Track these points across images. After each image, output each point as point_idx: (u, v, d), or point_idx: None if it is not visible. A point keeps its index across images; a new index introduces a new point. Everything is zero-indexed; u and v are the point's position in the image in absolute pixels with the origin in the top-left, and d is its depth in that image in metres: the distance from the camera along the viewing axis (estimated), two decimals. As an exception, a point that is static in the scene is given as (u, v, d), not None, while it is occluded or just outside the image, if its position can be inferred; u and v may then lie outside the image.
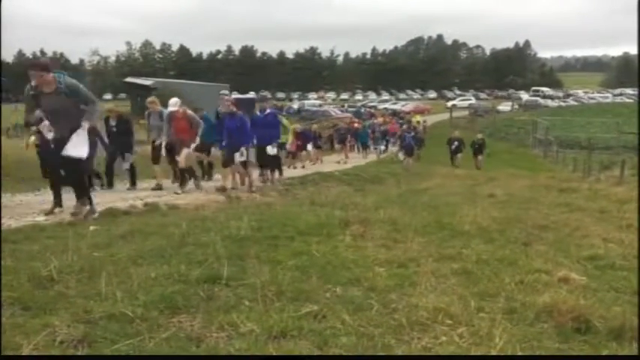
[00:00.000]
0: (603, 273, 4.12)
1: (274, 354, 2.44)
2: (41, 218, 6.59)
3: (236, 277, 3.58)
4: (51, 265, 3.61)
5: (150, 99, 11.31)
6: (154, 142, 10.66)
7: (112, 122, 10.63)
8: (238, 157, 10.31)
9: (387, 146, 28.29)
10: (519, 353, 2.48)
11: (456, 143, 24.58)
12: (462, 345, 2.61)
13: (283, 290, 3.32)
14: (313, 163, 20.72)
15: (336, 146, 25.56)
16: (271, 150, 11.46)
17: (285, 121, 13.65)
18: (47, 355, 2.22)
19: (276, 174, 12.28)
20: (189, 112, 10.56)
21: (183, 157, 10.11)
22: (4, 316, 2.88)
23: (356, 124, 28.66)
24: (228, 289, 3.38)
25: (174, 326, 2.77)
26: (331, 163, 20.44)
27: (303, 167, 18.69)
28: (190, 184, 10.48)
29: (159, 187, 10.33)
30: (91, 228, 5.53)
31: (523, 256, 4.42)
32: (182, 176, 10.33)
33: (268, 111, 11.96)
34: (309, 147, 20.22)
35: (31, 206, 7.64)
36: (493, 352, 2.45)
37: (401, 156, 23.35)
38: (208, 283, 3.45)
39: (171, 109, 10.37)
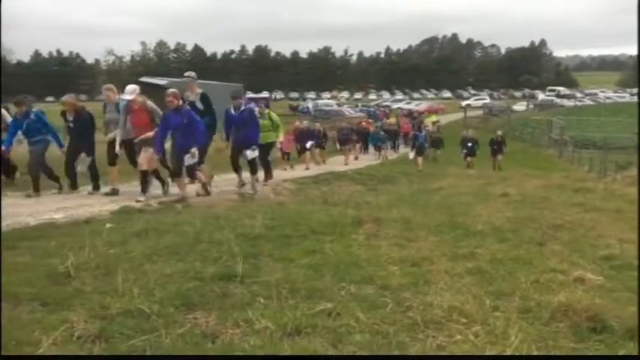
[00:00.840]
0: (619, 273, 4.09)
1: (289, 351, 2.46)
2: (58, 216, 6.66)
3: (250, 274, 3.61)
4: (68, 261, 3.67)
5: (106, 86, 9.47)
6: (110, 139, 8.90)
7: (69, 117, 8.89)
8: (189, 160, 8.39)
9: (396, 147, 26.18)
10: (535, 352, 2.48)
11: (469, 144, 21.97)
12: (477, 344, 2.61)
13: (297, 288, 3.34)
14: (318, 164, 18.82)
15: (338, 147, 22.86)
16: (251, 154, 9.66)
17: (275, 116, 11.51)
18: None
19: (257, 176, 10.21)
20: (150, 102, 8.80)
21: (144, 157, 8.40)
22: (24, 312, 2.93)
23: (364, 124, 26.53)
24: (242, 287, 3.40)
25: (189, 322, 2.80)
26: (335, 165, 18.76)
27: (308, 169, 16.56)
28: (156, 188, 8.81)
29: (114, 192, 8.73)
30: (107, 226, 5.59)
31: (538, 255, 4.40)
32: (143, 180, 8.49)
33: (244, 107, 9.80)
34: (308, 145, 17.92)
35: (48, 205, 7.71)
36: (508, 351, 2.44)
37: (411, 155, 21.70)
38: (223, 281, 3.48)
39: (126, 97, 8.70)
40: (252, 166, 9.96)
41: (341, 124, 25.78)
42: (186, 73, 9.79)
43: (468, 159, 21.83)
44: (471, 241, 4.85)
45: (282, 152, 17.17)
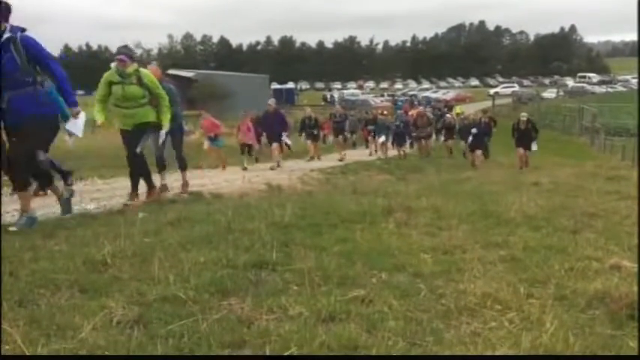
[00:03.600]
0: (657, 261, 4.00)
1: (324, 337, 2.47)
2: (91, 206, 6.80)
3: (282, 262, 3.64)
4: (104, 249, 3.74)
5: None
6: None
7: None
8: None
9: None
10: (571, 339, 2.45)
11: (474, 130, 16.64)
12: (512, 330, 2.60)
13: (329, 275, 3.36)
14: (310, 159, 16.11)
15: (330, 139, 19.37)
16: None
17: (152, 81, 6.71)
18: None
19: (59, 187, 5.99)
20: None
21: None
22: (63, 298, 3.00)
23: (380, 114, 21.11)
24: (275, 274, 3.44)
25: (225, 308, 2.84)
26: (331, 162, 15.74)
27: (274, 168, 13.20)
28: None
29: None
30: (140, 215, 5.68)
31: (572, 243, 4.33)
32: None
33: (8, 34, 4.75)
34: (283, 137, 13.93)
35: (80, 195, 7.87)
36: (545, 337, 2.42)
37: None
38: (256, 268, 3.52)
39: None
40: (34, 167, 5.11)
41: (334, 110, 20.90)
42: None
43: (477, 153, 16.37)
44: (504, 230, 4.80)
45: (241, 145, 14.09)
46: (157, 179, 7.52)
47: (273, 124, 13.84)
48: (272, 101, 14.66)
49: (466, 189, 8.36)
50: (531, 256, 3.91)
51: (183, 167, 8.58)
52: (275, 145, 13.77)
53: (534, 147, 15.35)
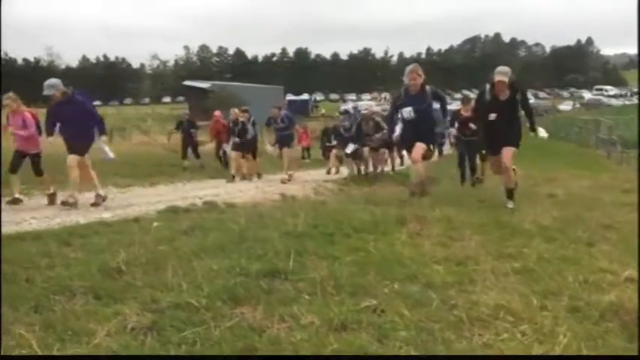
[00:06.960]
0: (672, 273, 3.95)
1: (335, 345, 2.48)
2: (107, 215, 6.87)
3: (295, 271, 3.65)
4: (119, 257, 3.79)
5: None
6: None
7: None
8: None
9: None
10: (584, 351, 2.43)
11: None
12: (525, 342, 2.58)
13: (342, 284, 3.37)
14: (245, 177, 12.53)
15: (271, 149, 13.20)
16: None
17: None
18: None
19: None
20: None
21: None
22: (78, 304, 3.04)
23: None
24: (287, 283, 3.45)
25: (237, 316, 2.86)
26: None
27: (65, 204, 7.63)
28: None
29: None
30: (155, 224, 5.73)
31: (587, 255, 4.29)
32: None
33: None
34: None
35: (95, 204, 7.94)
36: (557, 350, 2.40)
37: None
38: (268, 277, 3.53)
39: None
40: None
41: (272, 113, 13.07)
42: None
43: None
44: (517, 241, 4.76)
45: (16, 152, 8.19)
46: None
47: (69, 126, 7.94)
48: (53, 82, 8.00)
49: (480, 199, 8.31)
50: (545, 267, 3.88)
51: None
52: (72, 157, 7.82)
53: (542, 132, 7.33)
